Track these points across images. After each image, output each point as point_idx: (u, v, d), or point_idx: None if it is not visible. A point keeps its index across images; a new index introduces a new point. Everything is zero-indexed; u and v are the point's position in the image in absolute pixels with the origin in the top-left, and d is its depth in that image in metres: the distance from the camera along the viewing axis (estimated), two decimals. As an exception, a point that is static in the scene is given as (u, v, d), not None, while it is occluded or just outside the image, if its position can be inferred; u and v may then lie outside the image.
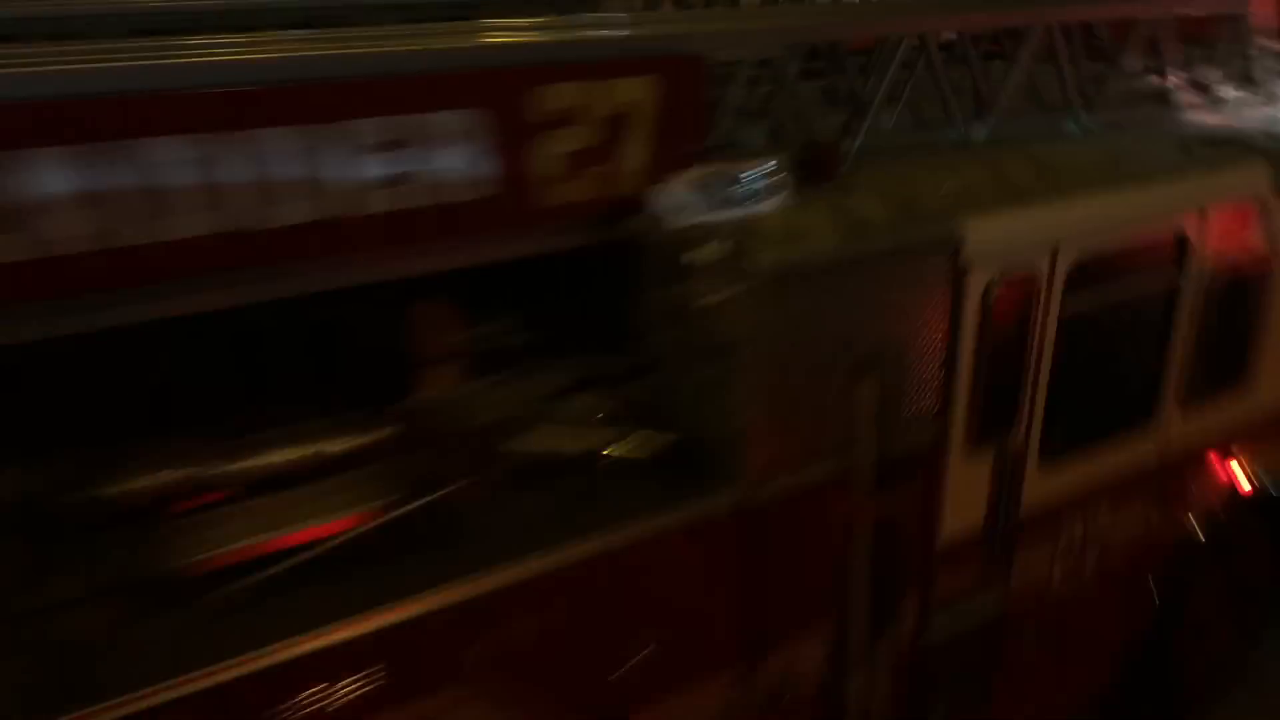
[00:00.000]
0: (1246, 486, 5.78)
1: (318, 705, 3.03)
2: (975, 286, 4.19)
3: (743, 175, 3.64)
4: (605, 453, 3.73)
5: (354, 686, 3.09)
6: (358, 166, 3.38)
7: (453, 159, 3.56)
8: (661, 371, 3.91)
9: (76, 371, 3.23)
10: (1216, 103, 6.00)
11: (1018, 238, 4.29)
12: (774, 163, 3.69)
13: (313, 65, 3.33)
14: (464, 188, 3.60)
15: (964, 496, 4.53)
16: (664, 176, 3.90)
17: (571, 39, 4.02)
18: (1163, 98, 5.64)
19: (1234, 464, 5.77)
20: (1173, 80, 5.70)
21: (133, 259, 3.08)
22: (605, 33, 4.15)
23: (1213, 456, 5.66)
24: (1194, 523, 5.64)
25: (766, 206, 3.66)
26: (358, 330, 3.72)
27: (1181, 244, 4.90)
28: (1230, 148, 5.22)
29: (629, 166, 3.91)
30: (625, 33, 4.17)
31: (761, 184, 3.65)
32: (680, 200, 3.72)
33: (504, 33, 3.87)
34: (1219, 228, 5.02)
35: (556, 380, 3.86)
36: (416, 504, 3.30)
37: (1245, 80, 6.12)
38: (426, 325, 3.74)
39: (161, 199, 3.10)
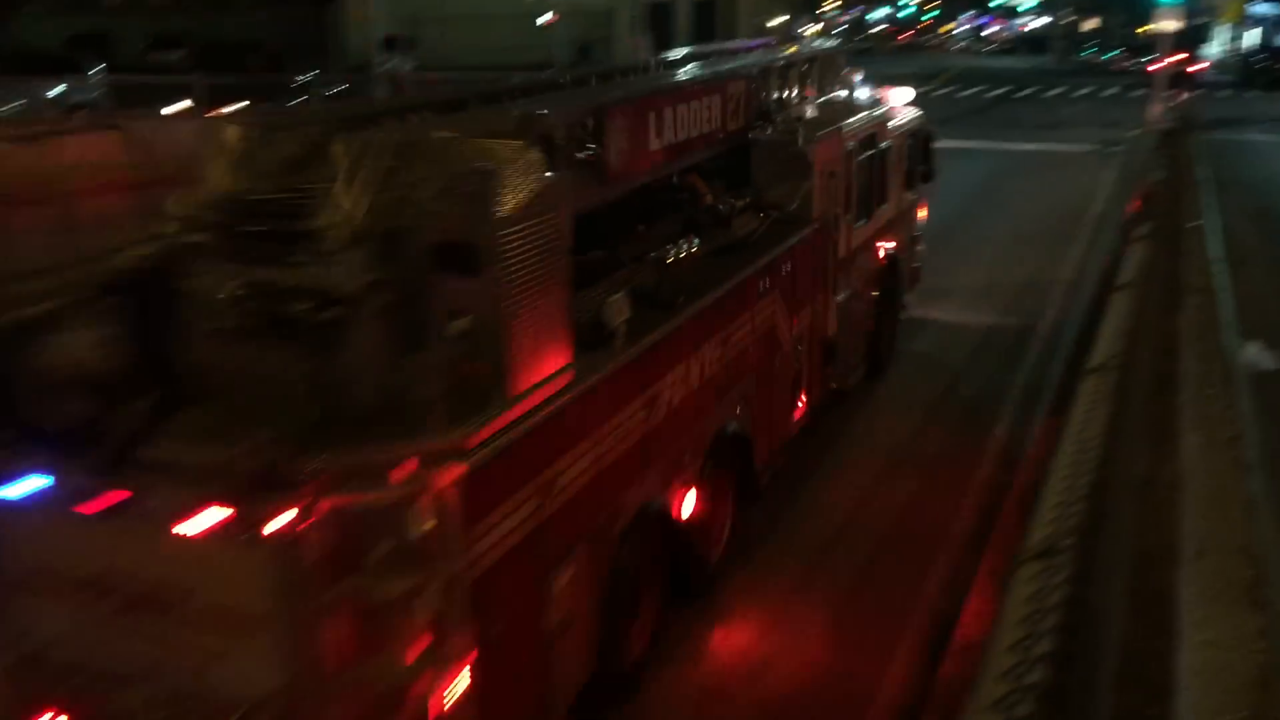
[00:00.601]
0: (890, 248, 13.25)
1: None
2: (846, 149, 11.03)
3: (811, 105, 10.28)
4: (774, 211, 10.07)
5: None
6: (712, 112, 9.40)
7: (717, 110, 9.67)
8: (767, 189, 10.25)
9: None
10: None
11: (851, 129, 11.24)
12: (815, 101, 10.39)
13: (707, 78, 9.40)
14: (720, 120, 9.71)
15: (845, 239, 11.34)
16: (754, 115, 10.32)
17: (739, 64, 10.38)
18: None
19: (884, 241, 13.18)
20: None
21: (668, 150, 8.86)
22: (740, 63, 10.56)
23: (879, 238, 13.00)
24: (876, 268, 12.97)
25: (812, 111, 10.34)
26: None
27: (877, 134, 12.14)
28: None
29: (743, 112, 10.25)
30: (746, 61, 10.58)
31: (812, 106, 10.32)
32: (799, 113, 10.21)
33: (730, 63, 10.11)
34: (883, 130, 12.35)
35: (747, 194, 10.06)
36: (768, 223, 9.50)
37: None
38: (701, 179, 9.76)
39: (676, 125, 8.92)
